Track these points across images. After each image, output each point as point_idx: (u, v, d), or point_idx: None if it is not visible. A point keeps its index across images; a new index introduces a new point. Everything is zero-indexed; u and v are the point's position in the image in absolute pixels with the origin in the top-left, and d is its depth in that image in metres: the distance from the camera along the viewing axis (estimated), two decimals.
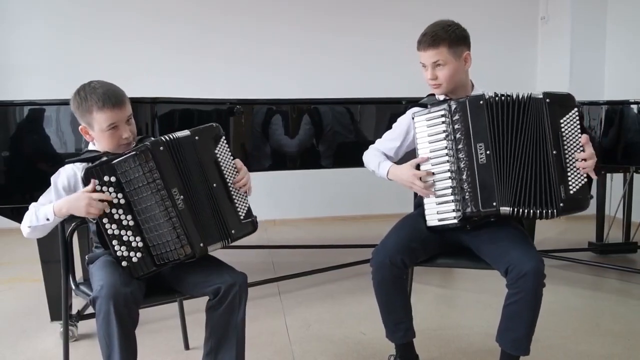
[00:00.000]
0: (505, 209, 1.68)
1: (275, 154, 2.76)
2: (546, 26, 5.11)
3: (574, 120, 1.70)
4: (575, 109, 1.71)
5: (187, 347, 2.20)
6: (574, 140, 1.70)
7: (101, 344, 1.46)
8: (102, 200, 1.50)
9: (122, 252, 1.53)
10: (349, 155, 2.86)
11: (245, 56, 4.74)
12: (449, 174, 1.74)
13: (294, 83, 4.69)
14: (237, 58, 4.73)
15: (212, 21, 4.72)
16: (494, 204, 1.68)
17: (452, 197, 1.74)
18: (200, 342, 1.67)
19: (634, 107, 2.92)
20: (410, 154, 1.92)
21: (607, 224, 3.59)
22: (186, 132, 1.60)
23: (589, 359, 2.09)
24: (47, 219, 1.57)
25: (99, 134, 1.63)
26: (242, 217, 1.64)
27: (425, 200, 1.79)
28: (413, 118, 1.80)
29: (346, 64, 4.86)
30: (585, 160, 1.67)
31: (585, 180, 1.70)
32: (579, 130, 1.70)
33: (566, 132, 1.70)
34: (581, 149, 1.69)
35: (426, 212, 1.79)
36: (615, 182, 3.58)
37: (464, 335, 2.32)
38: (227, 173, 1.64)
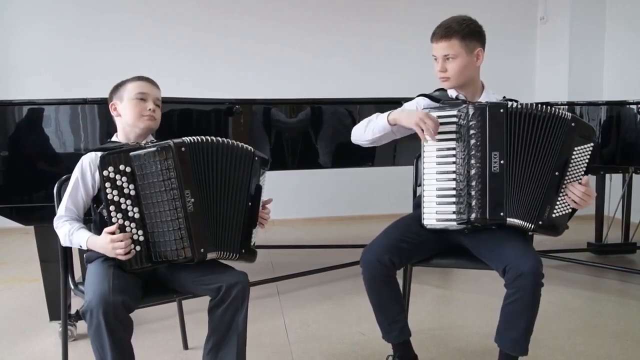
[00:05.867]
0: (511, 220, 1.68)
1: (274, 154, 2.76)
2: (545, 26, 5.11)
3: (587, 153, 1.73)
4: (592, 144, 1.73)
5: (186, 346, 2.20)
6: (578, 170, 1.72)
7: (95, 355, 1.47)
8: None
9: None
10: (348, 155, 2.85)
11: (245, 56, 4.75)
12: (454, 176, 1.72)
13: (294, 83, 4.70)
14: (237, 58, 4.73)
15: (212, 21, 4.72)
16: (502, 214, 1.67)
17: (454, 199, 1.72)
18: (199, 341, 1.67)
19: (633, 107, 2.92)
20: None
21: (606, 224, 3.59)
22: (240, 143, 1.66)
23: (588, 359, 2.09)
24: (80, 246, 1.62)
25: (127, 103, 1.70)
26: (252, 244, 1.71)
27: (425, 199, 1.77)
28: None
29: (346, 64, 4.87)
30: (582, 194, 1.68)
31: (570, 210, 1.72)
32: (587, 163, 1.73)
33: (575, 160, 1.71)
34: (580, 181, 1.71)
35: (424, 210, 1.77)
36: (614, 182, 3.59)
37: (462, 335, 2.32)
38: (260, 201, 1.75)
